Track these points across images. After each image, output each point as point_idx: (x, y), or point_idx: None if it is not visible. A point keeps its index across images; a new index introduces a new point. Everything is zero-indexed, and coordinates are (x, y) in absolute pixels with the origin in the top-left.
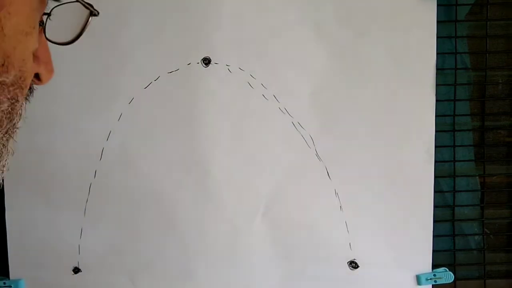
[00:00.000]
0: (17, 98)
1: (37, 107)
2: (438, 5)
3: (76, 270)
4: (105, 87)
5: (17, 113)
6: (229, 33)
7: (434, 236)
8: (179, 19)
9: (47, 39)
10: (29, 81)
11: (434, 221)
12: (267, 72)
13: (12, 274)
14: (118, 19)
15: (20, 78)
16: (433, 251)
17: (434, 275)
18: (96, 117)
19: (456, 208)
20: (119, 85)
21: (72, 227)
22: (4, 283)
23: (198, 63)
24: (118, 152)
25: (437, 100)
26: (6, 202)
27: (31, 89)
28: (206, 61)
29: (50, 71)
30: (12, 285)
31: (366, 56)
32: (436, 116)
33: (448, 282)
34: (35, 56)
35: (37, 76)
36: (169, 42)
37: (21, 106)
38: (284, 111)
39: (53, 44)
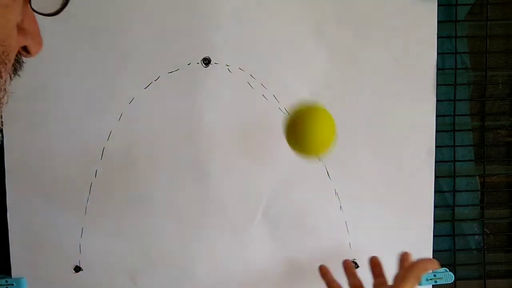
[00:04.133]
0: (0, 73)
1: (38, 107)
2: (438, 5)
3: (77, 269)
4: (105, 87)
5: (1, 89)
6: (229, 33)
7: (434, 236)
8: (179, 19)
9: (33, 9)
10: (13, 55)
11: (434, 221)
12: (267, 72)
13: (14, 273)
14: (118, 19)
15: (3, 53)
16: (433, 251)
17: (435, 275)
18: (97, 117)
19: (456, 208)
20: (119, 85)
21: (73, 226)
22: (6, 281)
23: (198, 63)
24: (118, 152)
25: (437, 100)
26: (8, 201)
27: (19, 63)
28: (206, 61)
29: (39, 43)
30: (14, 284)
31: (366, 56)
32: (436, 116)
33: (448, 282)
34: (21, 29)
35: (25, 49)
36: (169, 42)
37: (6, 81)
38: (284, 111)
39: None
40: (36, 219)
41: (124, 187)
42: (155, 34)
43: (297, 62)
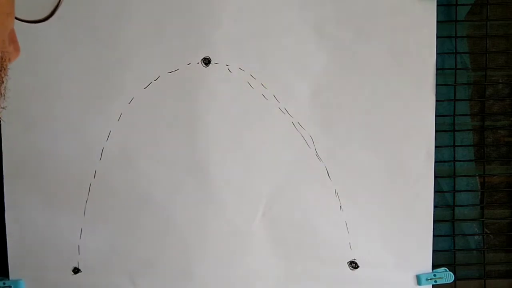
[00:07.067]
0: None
1: (38, 107)
2: (438, 5)
3: (76, 271)
4: (105, 87)
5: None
6: (229, 33)
7: (434, 236)
8: (179, 19)
9: (17, 18)
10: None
11: (434, 221)
12: (267, 72)
13: (12, 275)
14: (118, 19)
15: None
16: (433, 251)
17: (434, 275)
18: (96, 117)
19: (456, 208)
20: (119, 85)
21: (72, 227)
22: (4, 283)
23: (198, 63)
24: (118, 152)
25: (437, 100)
26: (6, 202)
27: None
28: (206, 61)
29: (17, 49)
30: (12, 286)
31: (366, 56)
32: (436, 116)
33: (448, 282)
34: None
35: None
36: (169, 42)
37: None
38: (284, 111)
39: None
40: (34, 220)
41: (124, 188)
42: (155, 34)
43: (297, 62)
